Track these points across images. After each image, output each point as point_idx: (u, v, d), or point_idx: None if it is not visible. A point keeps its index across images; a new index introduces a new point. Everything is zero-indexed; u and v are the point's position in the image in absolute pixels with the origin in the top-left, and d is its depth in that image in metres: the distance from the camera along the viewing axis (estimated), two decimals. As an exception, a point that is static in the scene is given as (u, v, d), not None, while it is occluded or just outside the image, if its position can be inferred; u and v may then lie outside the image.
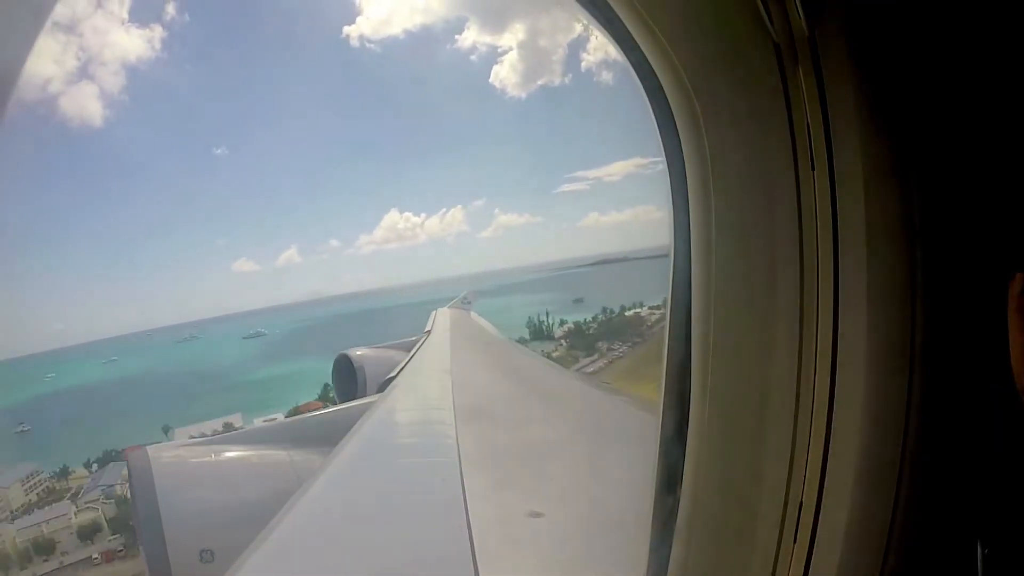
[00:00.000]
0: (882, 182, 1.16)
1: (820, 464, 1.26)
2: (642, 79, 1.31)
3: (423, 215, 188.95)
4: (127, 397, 48.71)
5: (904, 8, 1.11)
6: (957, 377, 1.18)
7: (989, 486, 1.17)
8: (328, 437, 4.29)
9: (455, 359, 7.38)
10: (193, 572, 3.91)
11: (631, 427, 4.78)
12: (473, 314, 12.96)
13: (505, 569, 2.91)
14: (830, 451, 1.25)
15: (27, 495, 26.37)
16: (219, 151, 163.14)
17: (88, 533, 24.85)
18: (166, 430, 31.81)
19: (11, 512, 25.30)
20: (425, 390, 6.00)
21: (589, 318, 41.12)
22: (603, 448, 4.49)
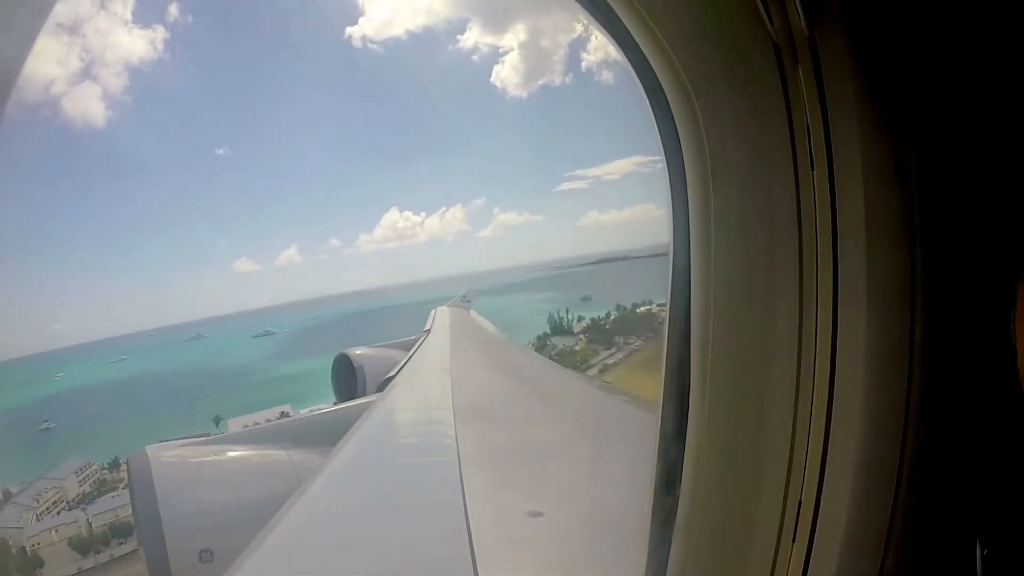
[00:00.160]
0: (882, 182, 1.16)
1: (819, 463, 1.26)
2: (642, 79, 1.31)
3: (423, 214, 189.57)
4: (149, 394, 48.20)
5: (904, 8, 1.11)
6: (956, 376, 1.18)
7: (989, 486, 1.18)
8: (327, 437, 4.29)
9: (454, 358, 7.38)
10: (193, 572, 3.91)
11: (630, 426, 4.77)
12: (472, 312, 12.98)
13: (505, 569, 2.91)
14: (829, 450, 1.25)
15: (80, 486, 26.93)
16: (220, 151, 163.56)
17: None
18: (217, 421, 31.68)
19: (68, 502, 25.81)
20: (424, 389, 5.99)
21: (603, 315, 41.79)
22: (603, 447, 4.49)
